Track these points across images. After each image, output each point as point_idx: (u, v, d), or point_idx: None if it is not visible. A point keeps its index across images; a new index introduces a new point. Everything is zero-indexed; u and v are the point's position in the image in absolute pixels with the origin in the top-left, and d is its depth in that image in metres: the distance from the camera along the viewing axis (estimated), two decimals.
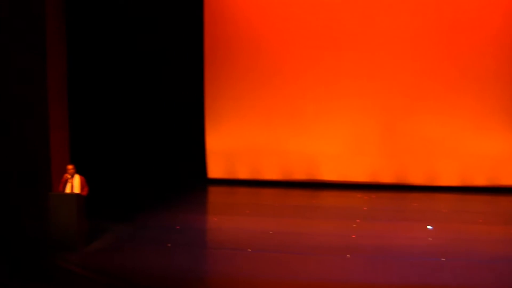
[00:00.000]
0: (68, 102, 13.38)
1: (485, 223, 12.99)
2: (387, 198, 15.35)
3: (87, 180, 11.33)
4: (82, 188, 11.15)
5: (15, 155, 12.32)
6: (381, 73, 15.71)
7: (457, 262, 10.51)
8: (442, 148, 15.67)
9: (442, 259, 10.60)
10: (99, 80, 16.03)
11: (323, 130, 16.03)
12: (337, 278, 9.88)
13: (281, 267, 10.32)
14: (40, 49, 12.14)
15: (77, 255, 10.71)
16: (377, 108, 15.83)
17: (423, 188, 15.83)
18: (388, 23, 15.59)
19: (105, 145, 16.04)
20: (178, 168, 16.53)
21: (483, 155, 15.53)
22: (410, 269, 10.17)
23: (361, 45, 15.68)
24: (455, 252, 11.06)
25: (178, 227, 12.51)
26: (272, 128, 16.20)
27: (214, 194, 16.38)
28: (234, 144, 16.42)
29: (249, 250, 11.11)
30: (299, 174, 16.34)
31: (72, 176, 11.18)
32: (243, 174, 16.55)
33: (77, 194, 10.92)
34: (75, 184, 11.14)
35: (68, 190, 11.12)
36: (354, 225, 12.71)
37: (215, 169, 16.66)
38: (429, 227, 12.58)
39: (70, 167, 11.23)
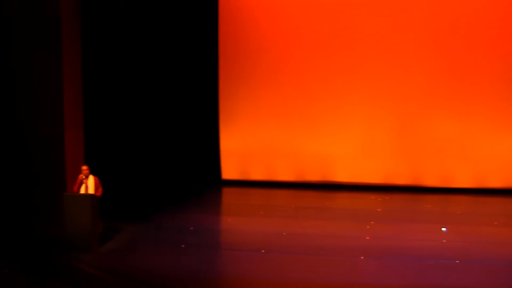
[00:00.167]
0: (83, 103, 13.43)
1: (500, 226, 12.92)
2: (401, 199, 15.32)
3: (101, 181, 11.39)
4: (96, 189, 11.19)
5: (30, 155, 12.45)
6: (396, 74, 15.67)
7: (471, 264, 10.46)
8: (456, 150, 15.60)
9: (456, 261, 10.56)
10: (115, 80, 16.09)
11: (337, 131, 16.02)
12: (351, 279, 9.86)
13: (294, 268, 10.32)
14: (56, 50, 12.25)
15: (91, 255, 10.76)
16: (392, 109, 15.80)
17: (437, 190, 15.78)
18: (406, 23, 15.53)
19: (119, 145, 16.09)
20: (193, 169, 16.56)
21: (498, 157, 15.45)
22: (424, 271, 10.13)
23: (378, 47, 15.65)
24: (469, 254, 11.01)
25: (192, 228, 12.53)
26: (286, 130, 16.21)
27: (228, 195, 16.40)
28: (248, 145, 16.43)
29: (263, 251, 11.12)
30: (313, 175, 16.33)
31: (87, 177, 11.22)
32: (257, 175, 16.57)
33: (91, 195, 10.95)
34: (89, 185, 11.18)
35: (82, 190, 11.15)
36: (368, 226, 12.68)
37: (229, 170, 16.69)
38: (443, 229, 12.53)
39: (84, 168, 11.27)
